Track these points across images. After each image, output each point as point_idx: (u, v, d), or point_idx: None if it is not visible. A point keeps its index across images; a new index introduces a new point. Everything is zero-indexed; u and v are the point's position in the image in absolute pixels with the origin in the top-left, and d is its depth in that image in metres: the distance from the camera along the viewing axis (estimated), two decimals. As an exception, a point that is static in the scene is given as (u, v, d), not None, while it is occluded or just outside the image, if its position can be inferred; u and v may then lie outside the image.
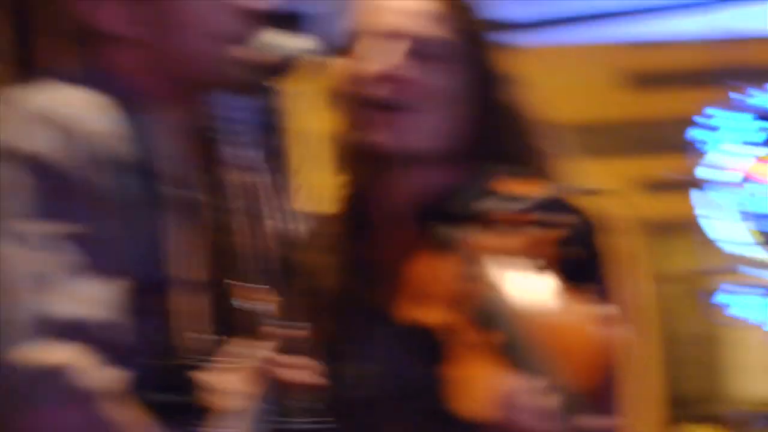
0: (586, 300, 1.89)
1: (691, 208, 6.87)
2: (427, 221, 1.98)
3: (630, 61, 7.85)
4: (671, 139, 7.58)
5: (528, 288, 1.90)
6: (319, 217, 2.07)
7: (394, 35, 1.99)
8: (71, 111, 1.66)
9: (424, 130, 1.97)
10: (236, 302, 1.98)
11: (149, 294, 1.67)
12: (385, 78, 1.96)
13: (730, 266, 6.87)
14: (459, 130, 2.01)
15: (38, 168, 1.61)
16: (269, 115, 1.74)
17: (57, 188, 1.61)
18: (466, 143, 2.02)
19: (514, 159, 2.02)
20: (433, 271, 1.94)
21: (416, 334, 1.91)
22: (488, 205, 1.94)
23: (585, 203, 2.01)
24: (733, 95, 6.84)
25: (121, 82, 1.73)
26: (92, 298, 1.59)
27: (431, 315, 1.91)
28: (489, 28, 2.04)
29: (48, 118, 1.63)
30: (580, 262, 1.96)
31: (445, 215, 1.95)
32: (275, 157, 1.73)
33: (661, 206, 7.54)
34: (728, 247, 6.78)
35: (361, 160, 2.04)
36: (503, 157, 2.01)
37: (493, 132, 2.02)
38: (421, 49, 1.98)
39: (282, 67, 1.76)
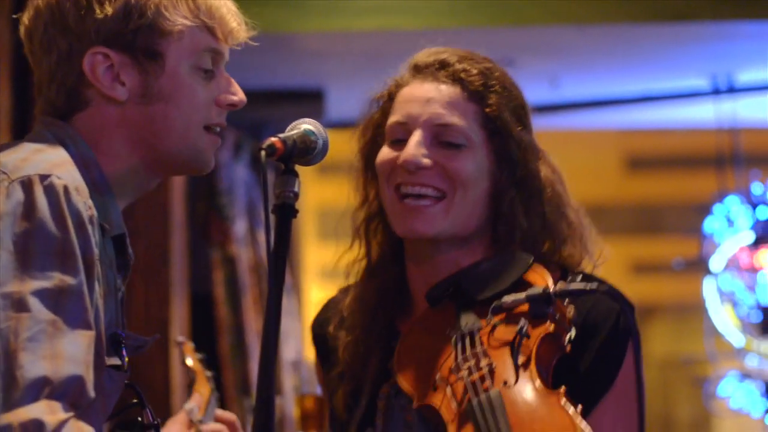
0: (566, 404, 1.92)
1: (692, 294, 6.89)
2: (445, 301, 2.09)
3: (631, 146, 7.92)
4: (674, 224, 7.63)
5: (518, 387, 1.94)
6: (342, 289, 2.24)
7: (420, 125, 2.10)
8: (62, 174, 1.71)
9: (449, 214, 2.09)
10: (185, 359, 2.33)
11: (116, 351, 1.75)
12: (407, 167, 2.08)
13: (728, 354, 6.87)
14: (485, 209, 2.12)
15: (40, 232, 1.65)
16: (269, 191, 1.78)
17: (54, 252, 1.66)
18: (491, 221, 2.13)
19: (537, 236, 2.12)
20: (437, 353, 2.03)
21: (418, 410, 2.01)
22: (506, 294, 2.02)
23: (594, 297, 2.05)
24: (736, 182, 6.87)
25: (90, 148, 1.80)
26: (73, 355, 1.64)
27: (429, 394, 1.99)
28: (514, 112, 2.14)
29: (47, 181, 1.69)
30: (585, 361, 2.03)
31: (466, 298, 2.05)
32: (273, 232, 1.76)
33: (661, 290, 7.56)
34: (727, 335, 6.78)
35: (390, 240, 2.18)
36: (526, 234, 2.11)
37: (516, 210, 2.11)
38: (443, 137, 2.10)
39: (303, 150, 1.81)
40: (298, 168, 1.81)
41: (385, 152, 2.14)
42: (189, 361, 2.57)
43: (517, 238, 2.11)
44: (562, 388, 1.93)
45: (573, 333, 2.02)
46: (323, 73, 6.23)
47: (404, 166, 2.08)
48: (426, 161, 2.08)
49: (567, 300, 2.03)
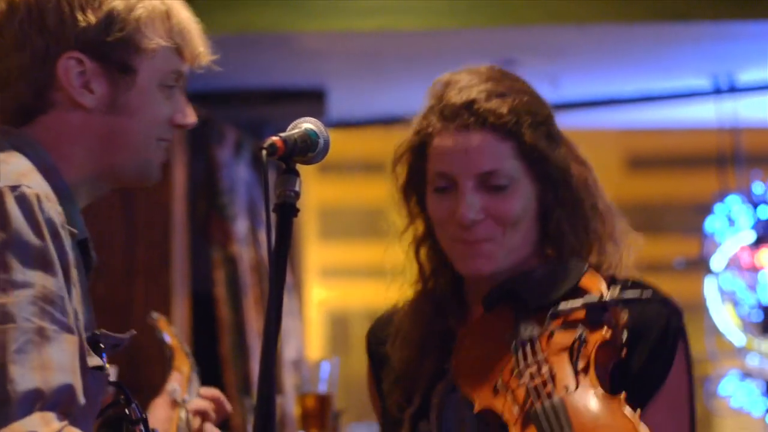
0: (625, 408, 1.98)
1: (693, 293, 6.89)
2: (501, 306, 2.16)
3: (632, 146, 7.92)
4: (675, 223, 7.63)
5: (580, 393, 2.00)
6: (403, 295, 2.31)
7: (463, 177, 2.17)
8: (31, 182, 1.73)
9: (506, 251, 2.18)
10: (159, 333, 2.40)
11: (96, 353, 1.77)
12: (464, 225, 2.16)
13: (729, 353, 6.87)
14: (535, 230, 2.21)
15: (17, 242, 1.67)
16: (270, 190, 1.79)
17: (33, 260, 1.67)
18: (540, 238, 2.22)
19: (583, 246, 2.21)
20: (496, 358, 2.09)
21: (474, 413, 2.07)
22: (562, 301, 2.10)
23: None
24: (737, 182, 6.87)
25: (48, 154, 1.84)
26: (62, 363, 1.65)
27: (490, 399, 2.06)
28: (547, 134, 2.22)
29: (17, 191, 1.70)
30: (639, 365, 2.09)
31: (522, 304, 2.13)
32: (274, 231, 1.76)
33: (663, 289, 7.57)
34: (728, 334, 6.78)
35: (440, 255, 2.26)
36: (573, 248, 2.21)
37: (564, 228, 2.21)
38: (488, 182, 2.17)
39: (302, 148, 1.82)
40: (299, 167, 1.81)
41: (436, 202, 2.21)
42: (165, 338, 2.56)
43: (570, 246, 2.21)
44: (623, 394, 1.98)
45: (625, 337, 2.08)
46: (324, 73, 6.23)
47: (461, 222, 2.16)
48: (480, 216, 2.16)
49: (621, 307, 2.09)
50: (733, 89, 6.52)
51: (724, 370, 6.85)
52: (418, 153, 2.25)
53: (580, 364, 2.02)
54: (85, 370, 1.79)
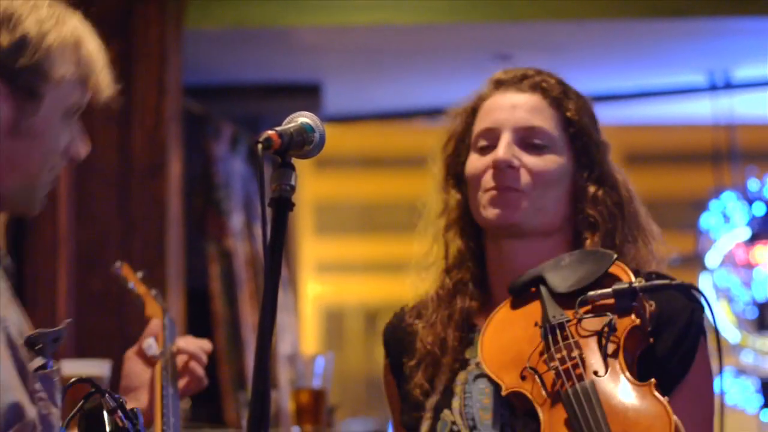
0: (658, 394, 1.99)
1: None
2: (528, 293, 2.19)
3: (628, 142, 7.92)
4: (670, 219, 7.63)
5: (610, 377, 2.02)
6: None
7: (507, 129, 2.25)
8: None
9: (534, 208, 2.22)
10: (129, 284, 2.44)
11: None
12: (499, 166, 2.22)
13: (724, 350, 6.87)
14: (567, 207, 2.26)
15: None
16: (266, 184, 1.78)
17: None
18: (572, 218, 2.27)
19: (616, 231, 2.25)
20: (525, 342, 2.11)
21: (505, 396, 2.10)
22: (591, 289, 2.12)
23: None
24: (732, 178, 6.87)
25: None
26: (5, 382, 1.66)
27: (518, 382, 2.08)
28: (591, 117, 2.31)
29: None
30: (667, 350, 2.12)
31: (550, 290, 2.15)
32: (270, 225, 1.76)
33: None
34: (723, 331, 6.78)
35: (467, 243, 2.31)
36: (607, 229, 2.24)
37: (598, 206, 2.25)
38: (528, 139, 2.24)
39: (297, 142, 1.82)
40: (295, 161, 1.81)
41: (474, 160, 2.27)
42: (131, 286, 2.54)
43: (600, 232, 2.24)
44: (653, 380, 2.00)
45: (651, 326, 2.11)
46: (320, 68, 6.23)
47: (496, 164, 2.22)
48: (515, 161, 2.22)
49: (647, 296, 2.12)
50: (729, 85, 6.52)
51: (721, 366, 6.85)
52: (469, 122, 2.32)
53: (610, 349, 2.04)
54: (28, 375, 1.79)
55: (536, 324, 2.12)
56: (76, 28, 1.92)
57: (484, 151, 2.26)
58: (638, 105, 6.98)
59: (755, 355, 6.79)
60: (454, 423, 2.18)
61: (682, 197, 7.91)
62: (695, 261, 6.83)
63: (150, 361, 2.35)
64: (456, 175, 2.33)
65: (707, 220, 6.85)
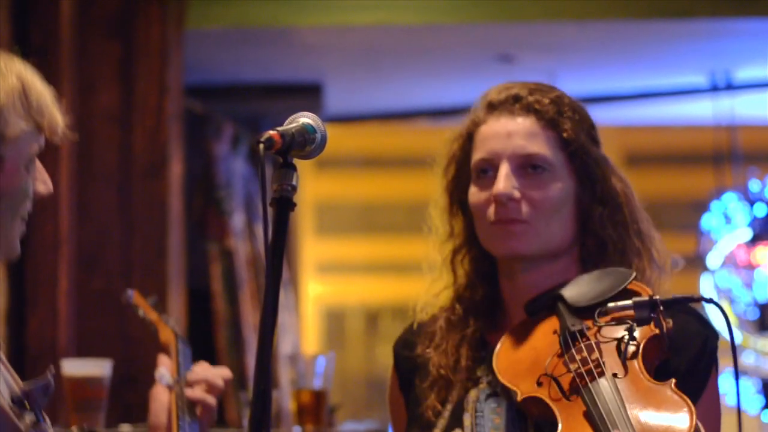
0: (681, 401, 1.99)
1: (689, 290, 6.89)
2: (544, 313, 2.19)
3: (629, 143, 7.92)
4: (671, 220, 7.62)
5: (630, 377, 2.01)
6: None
7: (505, 158, 2.23)
8: None
9: (540, 236, 2.22)
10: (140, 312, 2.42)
11: None
12: (500, 200, 2.21)
13: (723, 350, 6.86)
14: (573, 228, 2.25)
15: None
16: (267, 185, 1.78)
17: None
18: (580, 238, 2.26)
19: (626, 248, 2.25)
20: (542, 351, 2.11)
21: (519, 403, 2.09)
22: (610, 302, 2.11)
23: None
24: (733, 179, 6.87)
25: None
26: None
27: (534, 388, 2.07)
28: (588, 133, 2.29)
29: None
30: (683, 363, 2.12)
31: (567, 307, 2.15)
32: (272, 226, 1.76)
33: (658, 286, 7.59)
34: (723, 332, 6.77)
35: (477, 265, 2.32)
36: (616, 246, 2.24)
37: (605, 223, 2.25)
38: (527, 166, 2.23)
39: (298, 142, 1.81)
40: (296, 162, 1.81)
41: (476, 191, 2.26)
42: (142, 313, 2.53)
43: (610, 251, 2.24)
44: (672, 380, 2.00)
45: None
46: (321, 68, 6.23)
47: (497, 198, 2.20)
48: (516, 193, 2.21)
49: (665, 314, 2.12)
50: (730, 86, 6.52)
51: (719, 368, 6.85)
52: (466, 148, 2.30)
53: (629, 355, 2.04)
54: None
55: (555, 332, 2.12)
56: (19, 73, 1.89)
57: (483, 181, 2.25)
58: (639, 106, 6.98)
59: (756, 356, 6.79)
60: None
61: (683, 198, 7.91)
62: (696, 262, 6.83)
63: (168, 389, 2.34)
64: (459, 200, 2.32)
65: (708, 221, 6.84)
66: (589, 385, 2.00)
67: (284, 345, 6.00)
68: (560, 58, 6.08)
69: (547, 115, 2.25)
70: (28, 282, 4.56)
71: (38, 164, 1.95)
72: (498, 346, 2.18)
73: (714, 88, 6.53)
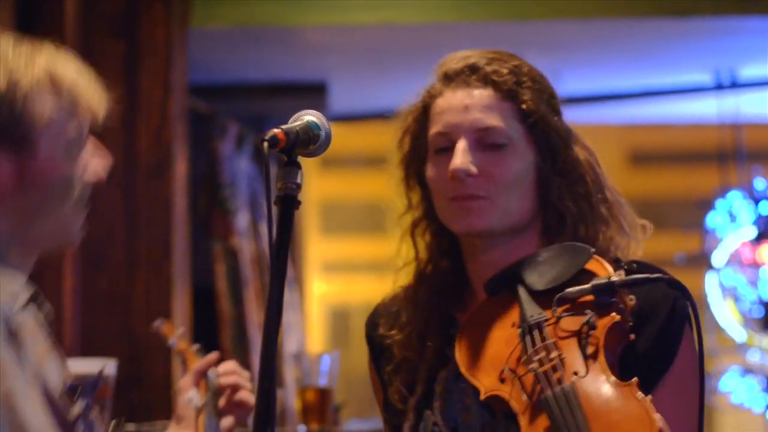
0: (638, 393, 1.96)
1: (694, 289, 6.89)
2: (504, 292, 2.14)
3: (634, 141, 7.92)
4: (676, 219, 7.62)
5: (590, 378, 1.98)
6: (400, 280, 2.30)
7: (462, 132, 2.16)
8: None
9: (500, 211, 2.15)
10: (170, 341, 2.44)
11: None
12: (457, 176, 2.14)
13: (730, 349, 6.86)
14: (534, 200, 2.18)
15: None
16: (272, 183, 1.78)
17: None
18: (541, 210, 2.19)
19: (587, 220, 2.18)
20: (502, 344, 2.07)
21: (481, 400, 2.06)
22: (568, 285, 2.07)
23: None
24: (738, 177, 6.87)
25: None
26: (37, 426, 1.68)
27: (497, 386, 2.04)
28: (548, 103, 2.21)
29: None
30: (647, 347, 2.07)
31: (527, 288, 2.10)
32: (276, 224, 1.76)
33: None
34: (729, 330, 6.78)
35: (438, 239, 2.25)
36: (576, 219, 2.18)
37: (564, 196, 2.18)
38: (485, 140, 2.16)
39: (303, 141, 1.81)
40: (301, 160, 1.81)
41: (433, 165, 2.20)
42: (172, 342, 2.53)
43: (569, 224, 2.17)
44: (635, 380, 1.96)
45: (632, 321, 2.06)
46: (326, 66, 6.23)
47: (454, 174, 2.14)
48: (473, 169, 2.14)
49: (627, 291, 2.07)
50: (735, 85, 6.51)
51: (724, 367, 6.85)
52: (421, 120, 2.24)
53: (590, 349, 2.00)
54: (70, 424, 1.80)
55: (514, 324, 2.07)
56: (48, 61, 1.89)
57: (441, 155, 2.18)
58: (644, 104, 6.97)
59: (761, 354, 6.78)
60: (435, 424, 2.14)
61: (688, 196, 7.90)
62: (701, 260, 6.82)
63: (196, 413, 2.34)
64: (417, 174, 2.26)
65: (713, 219, 6.84)
66: (549, 396, 1.96)
67: (289, 344, 6.00)
68: (564, 57, 6.08)
69: (506, 86, 2.17)
70: (33, 281, 4.56)
71: (89, 150, 1.94)
72: (459, 334, 2.13)
73: (718, 87, 6.52)
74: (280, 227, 1.76)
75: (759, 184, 6.73)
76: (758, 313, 6.71)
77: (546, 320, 2.05)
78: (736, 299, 6.73)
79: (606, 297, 2.03)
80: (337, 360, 3.36)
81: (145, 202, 4.77)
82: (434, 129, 2.20)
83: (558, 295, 2.05)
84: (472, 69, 2.19)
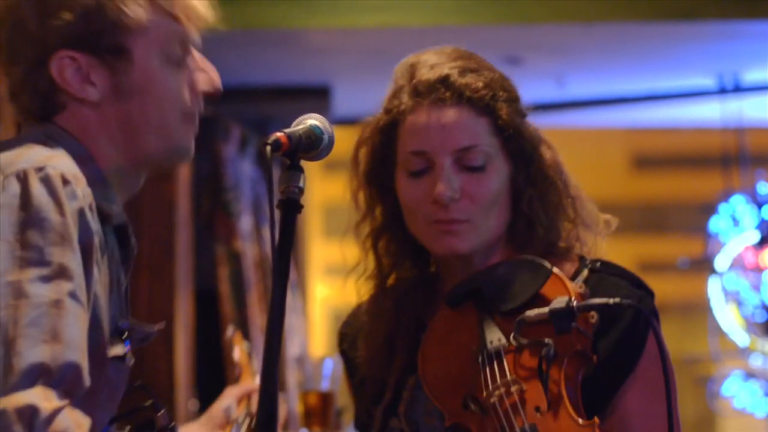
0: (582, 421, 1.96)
1: (697, 293, 6.88)
2: (466, 304, 2.11)
3: (637, 145, 7.91)
4: (679, 223, 7.62)
5: (551, 416, 1.97)
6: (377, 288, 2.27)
7: (440, 154, 2.12)
8: (57, 164, 1.73)
9: (480, 231, 2.13)
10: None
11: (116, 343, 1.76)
12: (441, 202, 2.10)
13: (733, 353, 6.86)
14: (508, 210, 2.16)
15: (37, 219, 1.66)
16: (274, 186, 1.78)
17: (52, 237, 1.66)
18: (512, 218, 2.17)
19: (556, 227, 2.16)
20: (463, 368, 2.05)
21: (446, 427, 2.05)
22: (528, 306, 2.04)
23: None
24: (741, 182, 6.87)
25: (81, 144, 1.83)
26: (72, 339, 1.64)
27: (461, 413, 2.03)
28: (519, 111, 2.17)
29: (42, 172, 1.70)
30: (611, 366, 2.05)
31: (486, 306, 2.08)
32: (278, 227, 1.76)
33: (665, 288, 7.58)
34: (731, 334, 6.78)
35: (402, 248, 2.22)
36: (546, 228, 2.16)
37: (535, 206, 2.16)
38: (465, 160, 2.12)
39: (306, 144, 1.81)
40: (304, 164, 1.81)
41: (408, 185, 2.15)
42: (236, 355, 2.53)
43: (539, 233, 2.15)
44: (595, 419, 1.95)
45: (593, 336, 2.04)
46: (329, 70, 6.23)
47: (438, 199, 2.10)
48: (456, 195, 2.11)
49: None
50: (738, 89, 6.52)
51: (727, 371, 6.85)
52: (387, 134, 2.19)
53: (551, 385, 1.97)
54: (105, 359, 1.78)
55: (475, 345, 2.04)
56: None
57: (418, 176, 2.13)
58: (647, 108, 6.97)
59: (764, 359, 6.78)
60: (401, 431, 2.14)
61: (691, 200, 7.90)
62: (704, 264, 6.82)
63: (225, 422, 2.34)
64: (380, 186, 2.21)
65: (716, 223, 6.84)
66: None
67: (291, 347, 6.00)
68: (567, 61, 6.08)
69: (482, 102, 2.12)
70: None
71: (198, 60, 1.92)
72: (422, 347, 2.10)
73: (722, 91, 6.52)
74: (283, 231, 1.76)
75: (762, 188, 6.73)
76: (761, 317, 6.71)
77: (505, 348, 2.02)
78: (739, 303, 6.73)
79: (566, 322, 1.98)
80: (339, 364, 3.36)
81: (149, 204, 4.77)
82: (409, 148, 2.14)
83: (517, 319, 2.01)
84: (445, 84, 2.13)
